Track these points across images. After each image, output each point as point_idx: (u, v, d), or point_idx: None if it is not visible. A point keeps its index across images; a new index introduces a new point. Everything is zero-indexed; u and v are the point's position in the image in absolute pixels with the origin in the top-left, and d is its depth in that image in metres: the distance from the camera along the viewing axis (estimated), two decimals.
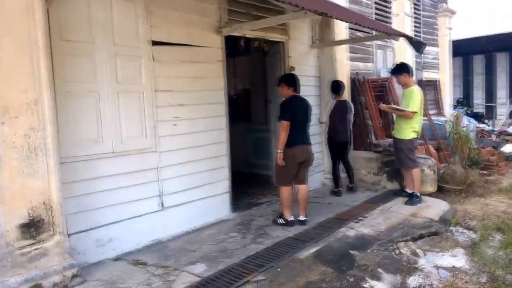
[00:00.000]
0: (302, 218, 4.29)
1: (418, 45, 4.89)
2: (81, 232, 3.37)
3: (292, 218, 4.25)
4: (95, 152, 3.45)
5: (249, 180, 6.01)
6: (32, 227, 2.88)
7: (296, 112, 4.16)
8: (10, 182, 2.76)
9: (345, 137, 5.50)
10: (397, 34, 4.70)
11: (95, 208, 3.46)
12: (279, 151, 4.11)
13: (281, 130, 4.09)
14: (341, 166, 5.62)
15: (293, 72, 4.78)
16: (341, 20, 3.86)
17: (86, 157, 3.40)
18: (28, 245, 2.86)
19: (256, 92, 6.45)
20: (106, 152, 3.52)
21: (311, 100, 5.78)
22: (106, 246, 3.54)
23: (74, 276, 3.05)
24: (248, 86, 6.91)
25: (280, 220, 4.28)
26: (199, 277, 3.16)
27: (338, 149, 5.51)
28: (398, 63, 5.42)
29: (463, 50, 12.52)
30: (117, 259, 3.55)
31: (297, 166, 4.20)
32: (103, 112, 3.48)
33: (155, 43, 3.79)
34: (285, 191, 4.23)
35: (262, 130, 6.23)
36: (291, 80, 4.29)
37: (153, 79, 3.80)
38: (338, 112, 5.38)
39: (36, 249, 2.90)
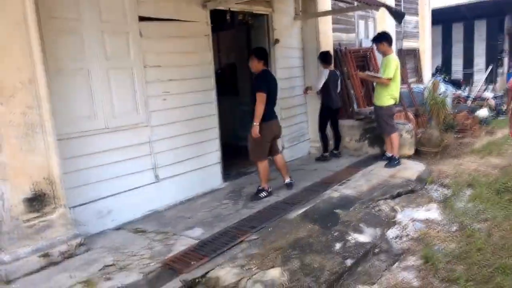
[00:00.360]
0: (288, 180, 4.54)
1: (397, 15, 5.05)
2: (82, 205, 3.53)
3: (271, 189, 4.42)
4: (89, 128, 3.57)
5: (237, 151, 6.17)
6: (36, 201, 3.03)
7: (270, 85, 4.15)
8: (11, 159, 2.89)
9: (339, 104, 5.86)
10: (378, 5, 4.84)
11: (94, 182, 3.62)
12: (255, 123, 4.04)
13: (259, 102, 4.01)
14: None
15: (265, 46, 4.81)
16: None
17: (81, 134, 3.52)
18: (33, 218, 3.02)
19: (241, 66, 6.55)
20: (99, 128, 3.64)
21: (296, 72, 5.98)
22: (106, 217, 3.73)
23: (79, 245, 3.25)
24: (233, 61, 6.99)
25: (263, 194, 4.34)
26: (197, 240, 3.40)
27: (333, 116, 5.80)
28: (379, 32, 5.60)
29: (443, 18, 12.70)
30: (117, 228, 3.75)
31: (271, 140, 4.30)
32: (94, 89, 3.58)
33: (142, 18, 3.86)
34: (263, 164, 4.30)
35: (249, 103, 6.37)
36: (263, 54, 4.23)
37: (142, 55, 3.89)
38: (332, 81, 5.62)
39: (42, 221, 3.06)
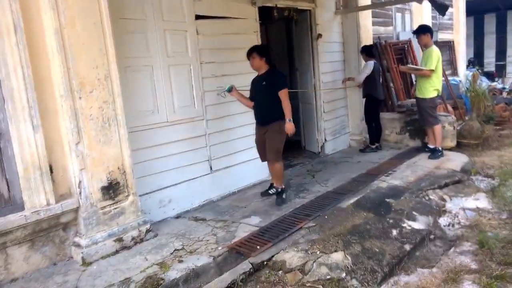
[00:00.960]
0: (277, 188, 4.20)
1: (441, 7, 5.07)
2: (146, 194, 3.75)
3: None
4: (153, 122, 3.79)
5: None
6: (111, 189, 3.26)
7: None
8: (90, 150, 3.11)
9: (384, 95, 5.92)
10: None
11: (156, 173, 3.84)
12: (289, 119, 3.90)
13: (286, 99, 3.91)
14: (364, 126, 5.96)
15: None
16: None
17: (145, 127, 3.74)
18: (108, 205, 3.25)
19: (282, 60, 6.68)
20: (161, 121, 3.86)
21: (338, 66, 6.07)
22: (167, 206, 3.95)
23: (148, 231, 3.46)
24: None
25: (284, 194, 4.15)
26: (257, 226, 3.57)
27: (378, 107, 5.88)
28: (421, 24, 5.64)
29: (475, 9, 12.45)
30: (178, 217, 3.97)
31: None
32: (157, 85, 3.79)
33: (198, 17, 4.06)
34: (281, 164, 4.13)
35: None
36: (265, 51, 4.04)
37: (198, 52, 4.09)
38: (377, 73, 5.70)
39: (115, 208, 3.29)
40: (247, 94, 4.28)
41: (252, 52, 3.96)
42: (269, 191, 4.30)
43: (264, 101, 3.99)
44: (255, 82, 4.11)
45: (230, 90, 4.12)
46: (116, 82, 3.23)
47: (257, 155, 4.82)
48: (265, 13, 5.31)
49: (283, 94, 3.90)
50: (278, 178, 4.15)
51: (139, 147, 3.67)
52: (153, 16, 3.70)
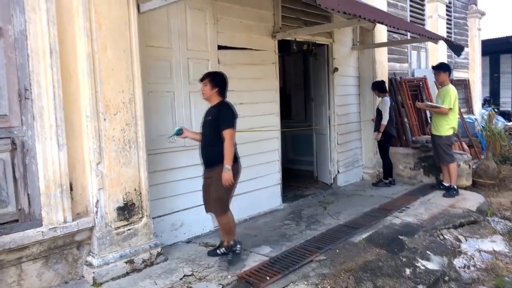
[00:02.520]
0: (233, 245, 3.48)
1: (457, 48, 5.18)
2: (159, 216, 3.78)
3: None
4: (170, 146, 3.84)
5: (291, 174, 6.39)
6: (126, 210, 3.31)
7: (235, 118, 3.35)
8: (109, 171, 3.19)
9: (396, 131, 5.95)
10: (438, 38, 4.99)
11: (170, 196, 3.89)
12: (228, 167, 3.22)
13: (229, 141, 3.24)
14: (378, 160, 5.96)
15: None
16: (391, 26, 4.17)
17: (163, 150, 3.82)
18: (122, 226, 3.29)
19: (297, 91, 6.81)
20: (179, 146, 3.92)
21: (352, 99, 6.16)
22: (179, 230, 3.97)
23: (158, 254, 3.48)
24: (284, 85, 7.27)
25: (238, 248, 3.47)
26: (267, 256, 3.55)
27: (390, 143, 5.90)
28: (440, 62, 5.74)
29: (491, 49, 12.60)
30: (188, 241, 3.98)
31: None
32: (177, 110, 3.91)
33: (220, 47, 4.21)
34: (229, 216, 3.40)
35: (302, 127, 6.59)
36: (220, 80, 3.43)
37: None
38: (391, 108, 5.76)
39: (129, 229, 3.33)
40: (252, 122, 4.38)
41: (205, 77, 3.42)
42: (218, 251, 3.55)
43: (209, 138, 3.40)
44: (205, 114, 3.49)
45: (179, 133, 3.52)
46: (139, 106, 3.34)
47: (269, 183, 4.89)
48: (283, 45, 5.48)
49: (227, 135, 3.25)
50: (227, 233, 3.48)
51: (156, 170, 3.74)
52: (178, 45, 3.85)
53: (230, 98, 4.31)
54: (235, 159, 3.39)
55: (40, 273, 2.94)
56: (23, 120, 2.87)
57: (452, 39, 8.73)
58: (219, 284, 3.07)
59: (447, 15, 8.88)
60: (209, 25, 4.10)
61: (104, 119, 3.14)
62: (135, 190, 3.35)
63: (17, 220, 2.88)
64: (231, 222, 3.45)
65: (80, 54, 3.00)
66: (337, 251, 3.62)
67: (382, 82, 5.83)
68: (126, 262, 3.25)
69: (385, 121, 5.63)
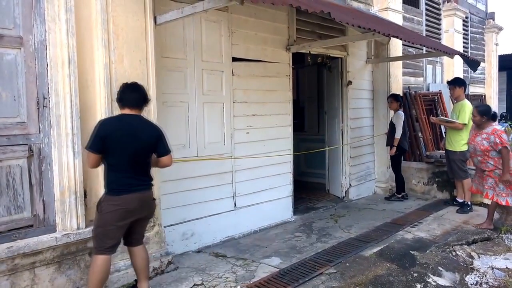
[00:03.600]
0: None
1: (473, 63, 5.14)
2: (170, 225, 3.81)
3: None
4: (183, 155, 3.91)
5: (302, 187, 6.36)
6: None
7: (115, 138, 2.63)
8: None
9: (408, 145, 5.90)
10: (454, 53, 4.96)
11: (182, 205, 3.91)
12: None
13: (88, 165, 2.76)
14: (391, 174, 5.90)
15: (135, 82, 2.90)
16: (406, 40, 4.17)
17: (175, 160, 3.84)
18: None
19: (310, 103, 6.82)
20: (192, 156, 3.98)
21: (366, 112, 6.14)
22: (190, 239, 3.98)
23: (169, 263, 3.49)
24: (298, 98, 7.29)
25: None
26: (277, 268, 3.54)
27: (402, 157, 5.84)
28: (456, 76, 5.71)
29: (509, 64, 12.42)
30: (198, 251, 3.99)
31: (128, 223, 2.73)
32: (191, 121, 3.95)
33: (234, 59, 4.26)
34: (98, 262, 2.68)
35: (315, 139, 6.58)
36: (123, 93, 2.76)
37: (232, 92, 4.26)
38: (405, 122, 5.72)
39: None
40: (265, 133, 4.37)
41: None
42: None
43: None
44: None
45: None
46: (154, 116, 3.39)
47: (281, 195, 4.88)
48: (298, 58, 5.52)
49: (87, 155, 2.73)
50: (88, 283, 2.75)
51: (168, 179, 3.76)
52: (193, 56, 3.92)
53: (243, 109, 4.40)
54: (115, 189, 2.68)
55: (53, 278, 2.98)
56: (40, 127, 2.94)
57: (469, 54, 8.67)
58: None
59: (463, 29, 8.83)
60: (224, 37, 4.17)
61: None
62: None
63: (31, 226, 2.93)
64: (95, 273, 2.68)
65: (98, 64, 3.08)
66: (348, 264, 3.58)
67: (397, 95, 5.82)
68: None
69: (398, 135, 5.58)
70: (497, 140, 4.33)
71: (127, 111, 2.75)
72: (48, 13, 2.91)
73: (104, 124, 2.69)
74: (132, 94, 2.75)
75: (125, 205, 2.68)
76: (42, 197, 2.97)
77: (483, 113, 4.45)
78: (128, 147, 2.67)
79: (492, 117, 4.53)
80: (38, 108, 2.93)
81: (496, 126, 4.58)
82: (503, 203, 4.50)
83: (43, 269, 2.92)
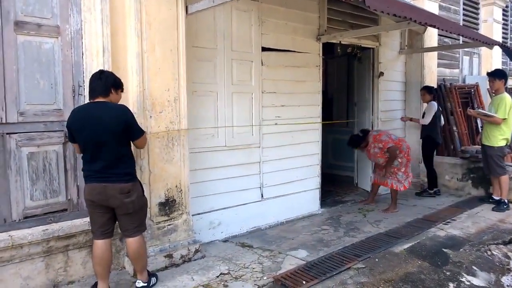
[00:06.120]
0: (140, 284, 2.91)
1: None
2: (197, 214, 3.84)
3: None
4: (212, 145, 3.93)
5: (330, 180, 6.27)
6: (167, 206, 3.40)
7: (77, 127, 2.62)
8: (153, 167, 3.29)
9: (442, 139, 5.71)
10: (494, 43, 4.71)
11: (210, 194, 3.93)
12: None
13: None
14: (422, 169, 5.72)
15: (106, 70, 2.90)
16: (443, 30, 3.97)
17: (205, 149, 3.88)
18: (163, 221, 3.38)
19: (339, 94, 6.69)
20: (220, 145, 3.98)
21: (397, 105, 5.95)
22: (217, 228, 4.01)
23: (196, 251, 3.53)
24: (326, 89, 7.16)
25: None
26: (303, 260, 3.51)
27: (434, 151, 5.66)
28: (497, 68, 5.45)
29: None
30: (225, 240, 4.01)
31: (104, 211, 2.72)
32: (219, 110, 3.95)
33: (264, 49, 4.22)
34: (94, 246, 2.77)
35: (343, 132, 6.46)
36: (89, 83, 2.72)
37: (261, 82, 4.23)
38: (438, 115, 5.53)
39: (169, 224, 3.41)
40: (293, 124, 4.25)
41: None
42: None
43: None
44: None
45: None
46: (184, 105, 3.42)
47: (308, 187, 4.82)
48: (327, 48, 5.39)
49: None
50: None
51: (196, 168, 3.80)
52: (223, 46, 3.90)
53: (272, 99, 4.35)
54: (85, 179, 2.74)
55: (85, 261, 3.07)
56: None
57: (508, 45, 8.24)
58: (255, 284, 3.07)
59: (503, 19, 8.39)
60: (254, 27, 4.12)
61: (150, 117, 3.24)
62: (176, 186, 3.43)
63: (66, 210, 3.03)
64: (92, 256, 2.77)
65: (130, 53, 3.11)
66: (377, 260, 3.51)
67: (430, 87, 5.62)
68: (165, 256, 3.33)
69: (424, 122, 5.45)
70: None
71: (100, 99, 2.67)
72: (84, 3, 2.96)
73: (71, 115, 2.70)
74: (96, 82, 2.67)
75: (88, 195, 2.70)
76: (76, 182, 3.05)
77: None
78: (91, 135, 2.60)
79: None
80: (73, 96, 3.01)
81: None
82: None
83: (76, 252, 3.02)
